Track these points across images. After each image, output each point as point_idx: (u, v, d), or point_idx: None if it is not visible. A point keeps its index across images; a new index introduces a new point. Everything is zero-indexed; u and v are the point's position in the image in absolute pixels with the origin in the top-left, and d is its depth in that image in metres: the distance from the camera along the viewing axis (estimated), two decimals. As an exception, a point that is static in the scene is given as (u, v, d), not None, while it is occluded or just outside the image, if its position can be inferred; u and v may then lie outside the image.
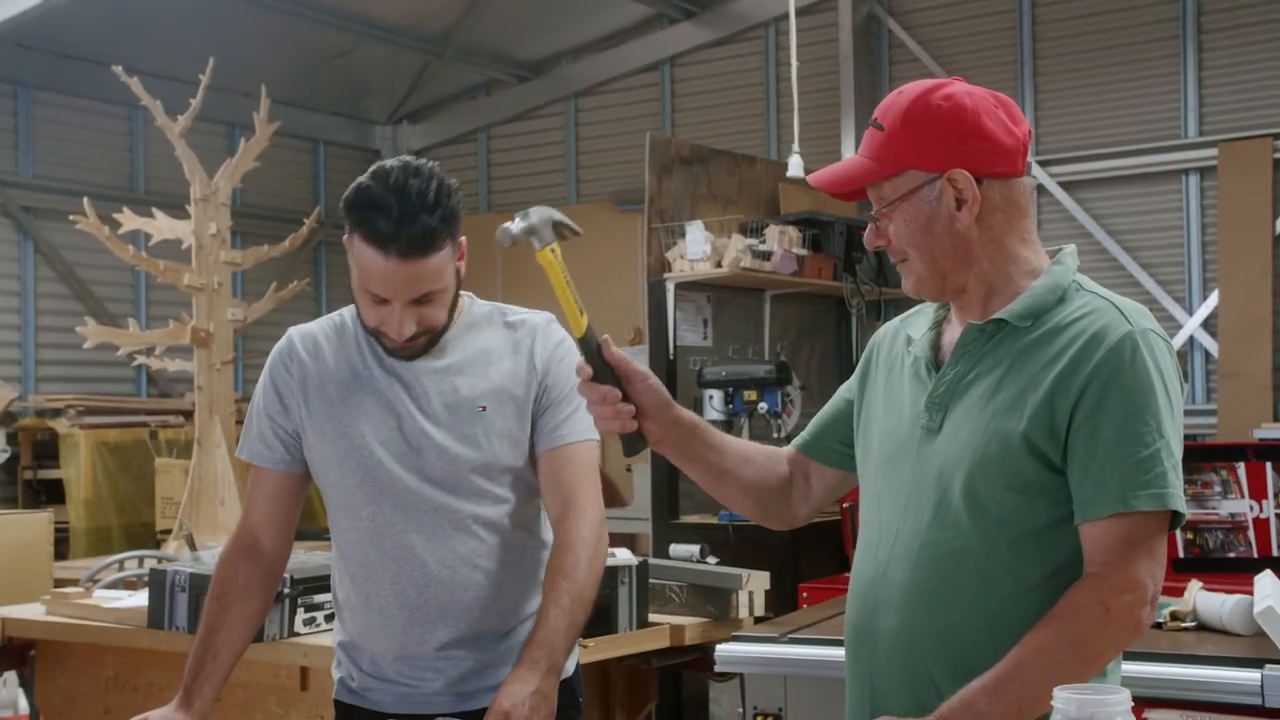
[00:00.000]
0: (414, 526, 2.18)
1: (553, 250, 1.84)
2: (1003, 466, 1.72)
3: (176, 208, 6.22)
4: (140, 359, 6.47)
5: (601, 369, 1.84)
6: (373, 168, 2.11)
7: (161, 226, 6.01)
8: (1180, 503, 1.68)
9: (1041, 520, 1.73)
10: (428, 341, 2.17)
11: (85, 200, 5.90)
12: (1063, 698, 1.42)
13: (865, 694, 1.85)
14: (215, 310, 5.96)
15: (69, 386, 8.57)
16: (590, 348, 1.84)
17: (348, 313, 2.29)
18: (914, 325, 1.94)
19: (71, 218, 5.95)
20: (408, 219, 2.03)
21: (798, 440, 2.09)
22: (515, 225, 1.86)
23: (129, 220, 5.97)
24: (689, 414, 1.96)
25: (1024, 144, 1.81)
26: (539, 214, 1.87)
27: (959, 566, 1.75)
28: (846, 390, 2.04)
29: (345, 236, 2.15)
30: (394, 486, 2.18)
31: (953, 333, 1.87)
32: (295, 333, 2.30)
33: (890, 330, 2.01)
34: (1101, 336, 1.72)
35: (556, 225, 1.87)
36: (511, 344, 2.25)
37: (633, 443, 1.86)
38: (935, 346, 1.87)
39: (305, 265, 10.20)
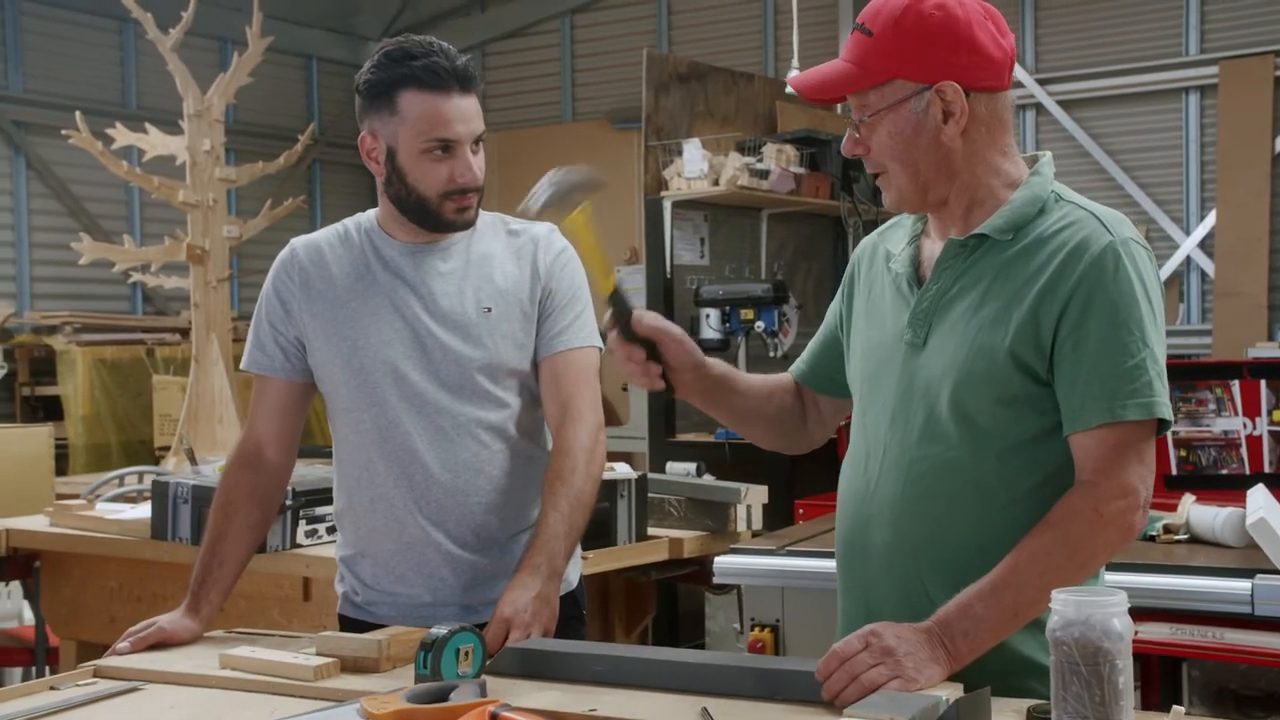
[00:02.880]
0: (417, 430, 2.18)
1: (581, 211, 1.86)
2: (989, 380, 1.73)
3: (169, 124, 6.16)
4: (136, 276, 6.46)
5: (627, 330, 1.87)
6: (377, 50, 2.17)
7: (155, 142, 5.96)
8: (1166, 410, 1.69)
9: (1030, 431, 1.74)
10: (478, 202, 2.20)
11: (78, 114, 5.84)
12: (1061, 599, 1.43)
13: (860, 608, 1.86)
14: (211, 227, 5.93)
15: (64, 304, 8.54)
16: (620, 308, 1.87)
17: (350, 222, 2.29)
18: (892, 239, 1.94)
19: (64, 132, 5.89)
20: (451, 56, 2.13)
21: (797, 371, 2.10)
22: (538, 199, 1.87)
23: (122, 136, 5.91)
24: (719, 367, 1.98)
25: (1011, 57, 1.80)
26: (557, 181, 1.87)
27: (950, 479, 1.76)
28: (833, 314, 2.05)
29: (364, 132, 2.17)
30: (398, 388, 2.18)
31: (932, 247, 1.86)
32: (298, 241, 2.30)
33: (869, 245, 2.00)
34: (1083, 248, 1.71)
35: (578, 186, 1.87)
36: (514, 251, 2.26)
37: (659, 394, 1.89)
38: (915, 262, 1.87)
39: (299, 183, 10.14)
